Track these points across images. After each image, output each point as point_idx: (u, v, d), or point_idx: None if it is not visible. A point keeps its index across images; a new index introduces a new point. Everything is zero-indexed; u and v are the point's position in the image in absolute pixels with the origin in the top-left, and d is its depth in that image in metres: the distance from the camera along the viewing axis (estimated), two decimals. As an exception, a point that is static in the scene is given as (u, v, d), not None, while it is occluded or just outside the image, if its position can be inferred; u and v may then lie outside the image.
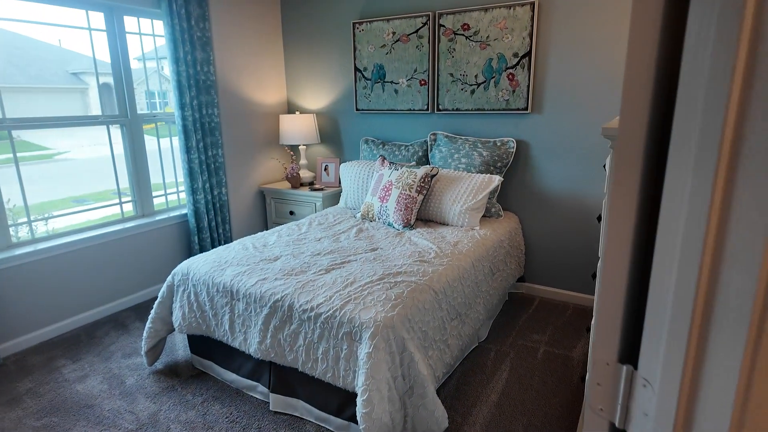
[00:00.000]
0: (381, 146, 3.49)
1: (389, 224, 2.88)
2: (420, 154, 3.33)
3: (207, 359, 2.34)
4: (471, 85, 3.14)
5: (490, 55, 3.03)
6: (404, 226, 2.80)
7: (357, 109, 3.66)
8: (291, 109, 4.07)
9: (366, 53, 3.50)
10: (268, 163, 3.99)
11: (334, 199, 3.71)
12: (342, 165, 3.43)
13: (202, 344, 2.34)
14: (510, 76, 2.99)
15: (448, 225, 2.88)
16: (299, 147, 3.86)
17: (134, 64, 3.15)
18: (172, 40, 3.10)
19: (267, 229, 4.00)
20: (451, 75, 3.19)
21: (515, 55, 2.95)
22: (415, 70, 3.33)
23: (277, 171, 4.11)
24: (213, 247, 3.53)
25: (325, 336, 1.79)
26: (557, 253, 3.13)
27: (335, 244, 2.52)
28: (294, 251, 2.41)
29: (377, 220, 2.95)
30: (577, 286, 3.11)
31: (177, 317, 2.29)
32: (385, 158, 3.09)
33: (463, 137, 3.21)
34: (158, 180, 3.40)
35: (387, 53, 3.42)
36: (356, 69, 3.58)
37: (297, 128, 3.70)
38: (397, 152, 3.40)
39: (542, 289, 3.22)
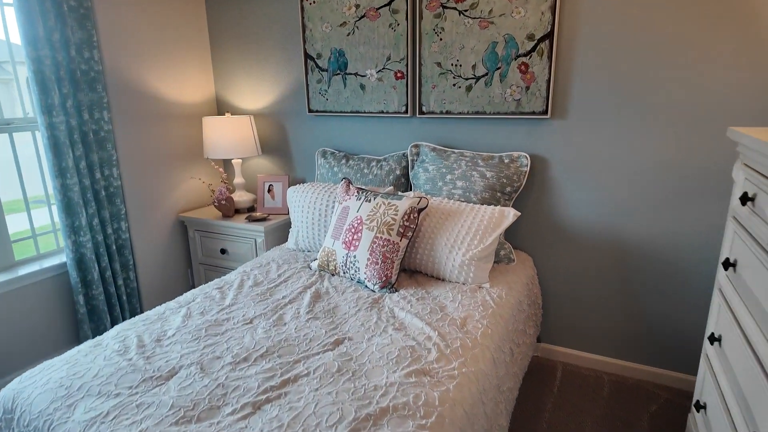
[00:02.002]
0: (344, 161, 2.57)
1: (359, 282, 1.99)
2: (398, 173, 2.44)
3: None
4: (467, 79, 2.28)
5: (494, 38, 2.17)
6: (382, 287, 1.92)
7: (310, 111, 2.72)
8: (221, 109, 3.07)
9: (320, 34, 2.57)
10: (189, 183, 2.98)
11: (282, 231, 2.76)
12: (289, 190, 2.49)
13: None
14: (522, 67, 2.15)
15: (443, 280, 2.02)
16: (233, 161, 2.88)
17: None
18: (23, 10, 2.05)
19: (191, 272, 3.00)
20: (439, 65, 2.32)
21: (530, 37, 2.10)
22: (389, 58, 2.43)
23: (204, 193, 3.11)
24: (110, 308, 2.50)
25: None
26: (584, 305, 2.33)
27: (277, 332, 1.60)
28: (205, 354, 1.47)
29: (342, 274, 2.05)
30: (610, 350, 2.33)
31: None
32: (350, 183, 2.18)
33: (456, 151, 2.35)
34: (21, 217, 2.34)
35: (349, 34, 2.49)
36: (307, 56, 2.63)
37: (229, 136, 2.71)
38: (366, 170, 2.49)
39: (564, 353, 2.43)
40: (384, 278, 1.93)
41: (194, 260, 2.93)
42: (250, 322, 1.67)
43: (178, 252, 2.95)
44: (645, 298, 2.20)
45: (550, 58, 2.08)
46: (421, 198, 2.00)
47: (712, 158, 1.94)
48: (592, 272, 2.27)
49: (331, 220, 2.14)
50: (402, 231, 1.95)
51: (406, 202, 1.98)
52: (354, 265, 1.97)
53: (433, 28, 2.28)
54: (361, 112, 2.58)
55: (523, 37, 2.11)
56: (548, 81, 2.11)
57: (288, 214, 2.83)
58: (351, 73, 2.55)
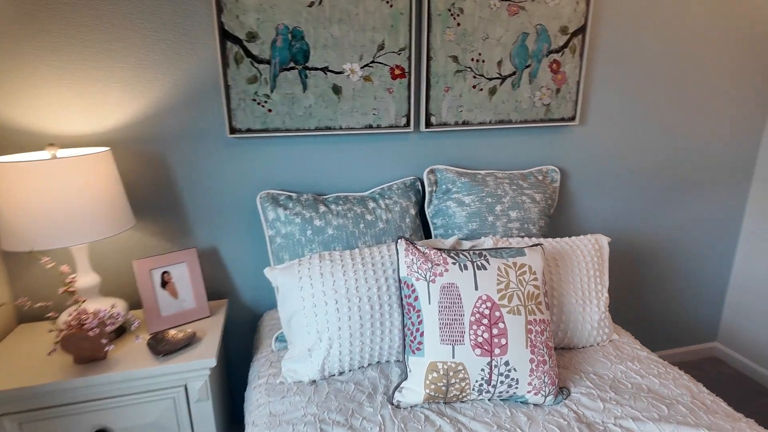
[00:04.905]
0: (320, 206, 1.59)
1: (515, 400, 1.25)
2: (412, 212, 1.69)
3: None
4: (490, 79, 1.75)
5: (524, 28, 1.73)
6: (556, 396, 1.25)
7: (234, 131, 1.57)
8: (29, 139, 1.43)
9: (254, 0, 1.48)
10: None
11: (237, 353, 1.52)
12: (279, 271, 1.35)
13: None
14: (554, 66, 1.80)
15: (577, 348, 1.50)
16: (72, 248, 1.36)
17: None
18: None
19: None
20: (455, 59, 1.69)
21: (563, 30, 1.77)
22: (381, 47, 1.62)
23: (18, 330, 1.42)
24: None
25: None
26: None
27: None
28: None
29: (477, 397, 1.24)
30: (620, 352, 2.32)
31: None
32: (412, 243, 1.33)
33: (484, 172, 1.80)
34: None
35: (312, 4, 1.53)
36: (225, 35, 1.48)
37: (60, 196, 1.25)
38: (369, 216, 1.61)
39: (586, 372, 2.28)
40: (557, 381, 1.27)
41: (10, 481, 1.28)
42: None
43: (-47, 482, 1.24)
44: (661, 290, 2.27)
45: (581, 55, 1.81)
46: (534, 245, 1.41)
47: (722, 155, 2.13)
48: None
49: (409, 315, 1.26)
50: (547, 301, 1.33)
51: (533, 256, 1.35)
52: (508, 376, 1.22)
53: (448, 7, 1.64)
54: (335, 129, 1.65)
55: (556, 30, 1.76)
56: (578, 83, 1.84)
57: (207, 315, 1.59)
58: (315, 68, 1.58)
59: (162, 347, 1.36)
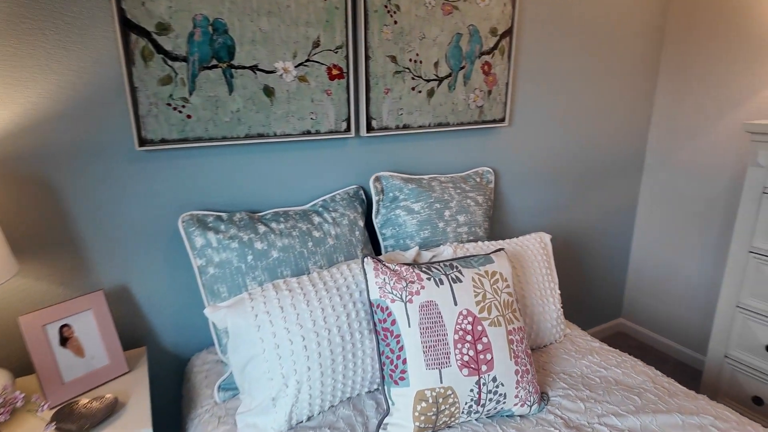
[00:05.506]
0: (258, 226, 1.38)
1: (502, 415, 1.19)
2: (361, 224, 1.56)
3: None
4: (429, 80, 1.69)
5: (458, 28, 1.70)
6: (540, 404, 1.23)
7: (144, 143, 1.28)
8: None
9: (162, -17, 1.22)
10: None
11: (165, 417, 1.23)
12: (227, 310, 1.12)
13: None
14: (486, 67, 1.80)
15: (540, 348, 1.50)
16: None
17: None
18: None
19: None
20: (394, 59, 1.60)
21: (493, 31, 1.77)
22: (317, 44, 1.46)
23: None
24: None
25: None
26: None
27: None
28: None
29: (467, 418, 1.16)
30: (549, 340, 2.44)
31: None
32: (379, 261, 1.20)
33: (432, 178, 1.73)
34: None
35: (236, -7, 1.31)
36: (128, 26, 1.20)
37: None
38: (316, 232, 1.44)
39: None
40: (539, 388, 1.24)
41: None
42: None
43: None
44: (576, 276, 2.42)
45: (509, 57, 1.84)
46: (497, 250, 1.38)
47: (619, 151, 2.31)
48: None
49: (386, 341, 1.13)
50: (518, 306, 1.30)
51: (501, 262, 1.31)
52: (497, 392, 1.15)
53: (384, 4, 1.53)
54: (268, 137, 1.45)
55: (487, 31, 1.76)
56: (507, 84, 1.86)
57: (125, 371, 1.29)
58: (243, 67, 1.37)
59: (73, 425, 1.05)
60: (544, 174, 2.14)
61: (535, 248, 1.59)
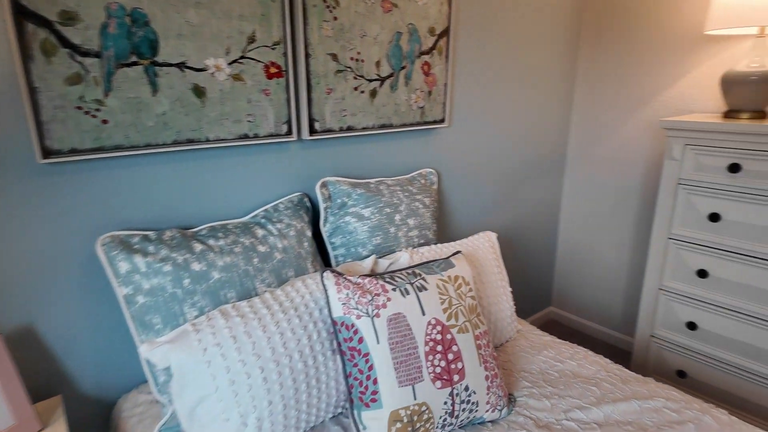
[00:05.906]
0: (185, 246, 1.22)
1: (476, 422, 1.16)
2: (309, 234, 1.46)
3: None
4: (371, 80, 1.62)
5: (398, 27, 1.65)
6: (508, 407, 1.22)
7: (48, 154, 1.07)
8: None
9: (64, -38, 1.02)
10: None
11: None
12: (168, 346, 0.95)
13: None
14: (425, 67, 1.77)
15: (497, 347, 1.50)
16: None
17: None
18: None
19: None
20: (335, 57, 1.51)
21: (431, 31, 1.75)
22: (252, 39, 1.33)
23: None
24: None
25: None
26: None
27: None
28: None
29: (441, 430, 1.11)
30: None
31: None
32: (340, 275, 1.11)
33: (379, 181, 1.67)
34: None
35: (156, -21, 1.14)
36: (23, 13, 0.99)
37: None
38: (261, 247, 1.31)
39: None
40: (506, 390, 1.23)
41: None
42: None
43: None
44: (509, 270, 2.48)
45: (447, 57, 1.83)
46: (455, 253, 1.36)
47: (544, 149, 2.40)
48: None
49: (353, 361, 1.05)
50: (481, 309, 1.28)
51: (461, 265, 1.29)
52: (469, 401, 1.12)
53: (323, -2, 1.44)
54: (200, 142, 1.29)
55: (426, 31, 1.73)
56: (446, 85, 1.85)
57: (40, 429, 1.08)
58: (168, 64, 1.20)
59: None
60: (481, 173, 2.18)
61: (485, 248, 1.59)
